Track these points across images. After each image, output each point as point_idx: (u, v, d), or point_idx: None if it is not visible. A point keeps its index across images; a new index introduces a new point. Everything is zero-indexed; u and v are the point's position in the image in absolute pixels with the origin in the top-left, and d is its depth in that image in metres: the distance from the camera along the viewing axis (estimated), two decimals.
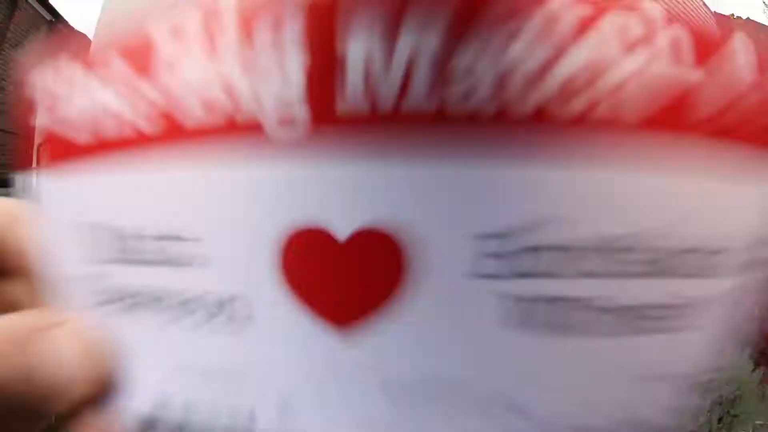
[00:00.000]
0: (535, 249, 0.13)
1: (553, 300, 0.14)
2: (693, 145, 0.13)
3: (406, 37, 0.12)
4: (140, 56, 0.14)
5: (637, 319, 0.14)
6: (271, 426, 0.14)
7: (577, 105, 0.11)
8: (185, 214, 0.14)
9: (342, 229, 0.13)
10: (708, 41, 0.13)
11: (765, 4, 7.96)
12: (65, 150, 0.15)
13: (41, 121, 0.16)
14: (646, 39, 0.12)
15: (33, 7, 7.93)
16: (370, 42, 0.11)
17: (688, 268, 0.14)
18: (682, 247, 0.14)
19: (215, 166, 0.14)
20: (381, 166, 0.12)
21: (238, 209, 0.14)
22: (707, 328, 0.14)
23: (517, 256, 0.13)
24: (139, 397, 0.17)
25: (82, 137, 0.15)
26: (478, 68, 0.12)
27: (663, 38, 0.12)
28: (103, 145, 0.15)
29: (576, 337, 0.14)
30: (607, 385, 0.14)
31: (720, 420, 2.72)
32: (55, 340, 0.17)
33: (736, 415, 2.82)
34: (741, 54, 0.13)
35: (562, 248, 0.13)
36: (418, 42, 0.12)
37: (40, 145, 0.18)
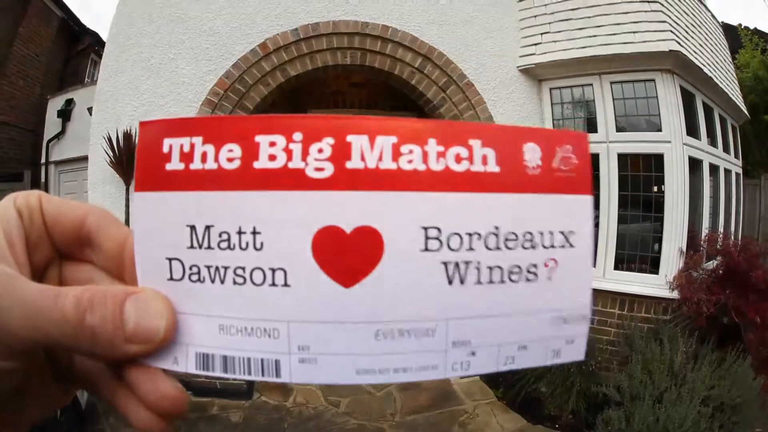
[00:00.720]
0: (455, 234, 0.25)
1: (468, 263, 0.26)
2: (507, 191, 0.26)
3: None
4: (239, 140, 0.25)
5: (512, 273, 0.27)
6: (293, 372, 0.25)
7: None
8: (250, 217, 0.25)
9: (347, 227, 0.25)
10: (505, 151, 0.26)
11: None
12: (174, 177, 0.25)
13: (173, 166, 0.25)
14: (469, 157, 0.26)
15: (44, 4, 7.94)
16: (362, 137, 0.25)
17: (527, 244, 0.27)
18: (521, 233, 0.26)
19: (275, 190, 0.25)
20: (369, 192, 0.25)
21: (289, 215, 0.25)
22: (554, 281, 0.27)
23: (447, 238, 0.25)
24: (188, 355, 0.26)
25: (192, 170, 0.25)
26: None
27: (477, 154, 0.26)
28: (200, 175, 0.25)
29: (486, 285, 0.26)
30: (511, 317, 0.27)
31: (721, 426, 2.73)
32: (144, 299, 0.25)
33: (736, 422, 2.83)
34: (529, 152, 0.27)
35: (466, 234, 0.26)
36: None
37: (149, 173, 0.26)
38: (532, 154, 0.27)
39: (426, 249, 0.25)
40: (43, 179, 6.69)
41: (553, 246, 0.27)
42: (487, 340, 0.26)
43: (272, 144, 0.25)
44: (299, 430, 3.16)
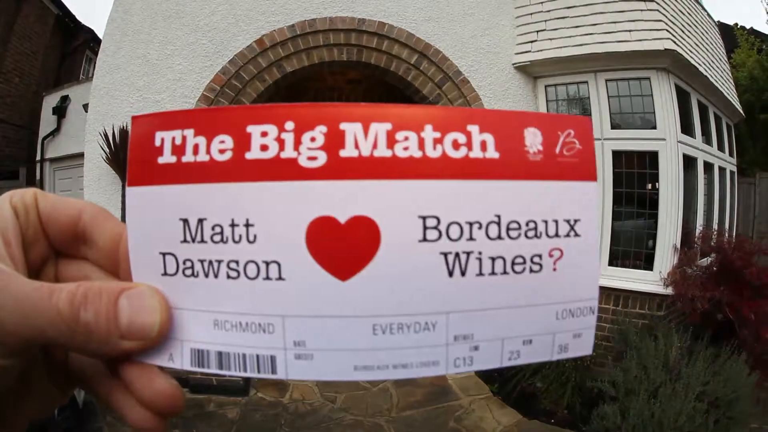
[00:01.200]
0: (454, 223, 0.24)
1: (469, 253, 0.24)
2: (506, 179, 0.25)
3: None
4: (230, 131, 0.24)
5: (515, 264, 0.25)
6: (289, 368, 0.24)
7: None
8: (242, 209, 0.24)
9: (342, 217, 0.24)
10: (505, 136, 0.25)
11: None
12: (166, 170, 0.25)
13: (165, 159, 0.25)
14: (467, 143, 0.25)
15: (40, 1, 7.90)
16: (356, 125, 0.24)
17: (530, 234, 0.25)
18: (524, 221, 0.25)
19: (267, 181, 0.24)
20: (363, 181, 0.24)
21: (282, 206, 0.24)
22: (559, 271, 0.26)
23: (446, 227, 0.24)
24: (182, 352, 0.25)
25: (184, 163, 0.25)
26: None
27: (476, 140, 0.25)
28: (193, 167, 0.24)
29: (488, 276, 0.25)
30: (515, 310, 0.26)
31: (716, 421, 2.75)
32: (138, 294, 0.25)
33: (731, 417, 2.85)
34: (530, 137, 0.25)
35: (466, 223, 0.24)
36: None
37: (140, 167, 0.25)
38: (533, 139, 0.26)
39: (424, 239, 0.24)
40: (38, 176, 6.66)
41: (557, 235, 0.26)
42: (490, 334, 0.25)
43: (264, 134, 0.24)
44: (296, 426, 3.16)
